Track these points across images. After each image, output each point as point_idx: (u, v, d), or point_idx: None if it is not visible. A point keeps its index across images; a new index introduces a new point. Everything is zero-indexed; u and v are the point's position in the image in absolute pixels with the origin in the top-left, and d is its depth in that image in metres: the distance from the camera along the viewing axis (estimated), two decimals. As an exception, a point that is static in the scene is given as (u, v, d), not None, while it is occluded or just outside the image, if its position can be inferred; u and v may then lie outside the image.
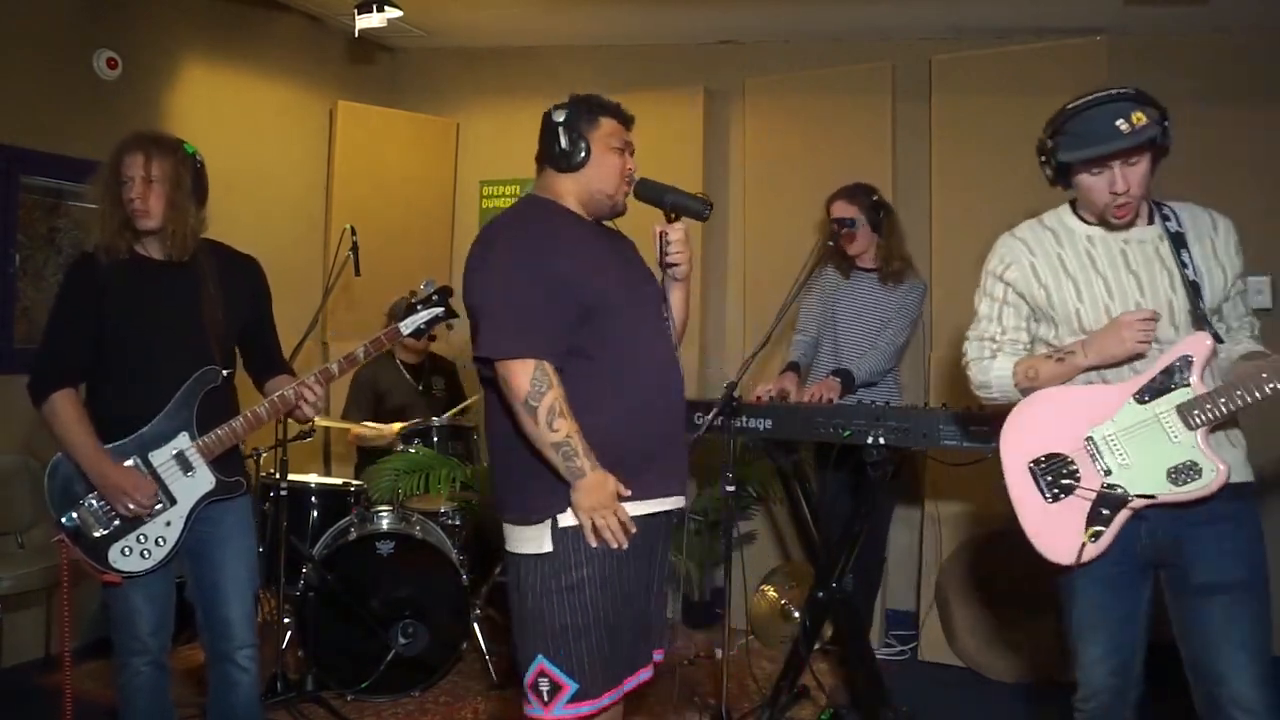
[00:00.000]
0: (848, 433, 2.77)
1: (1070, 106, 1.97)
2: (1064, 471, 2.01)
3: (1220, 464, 1.87)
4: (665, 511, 2.06)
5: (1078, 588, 2.05)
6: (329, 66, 5.06)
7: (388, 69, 5.36)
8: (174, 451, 2.31)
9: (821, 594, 2.93)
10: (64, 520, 2.25)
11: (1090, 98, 1.94)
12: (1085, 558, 1.97)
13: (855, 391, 3.24)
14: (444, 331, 4.94)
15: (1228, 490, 1.89)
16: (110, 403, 2.31)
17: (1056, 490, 2.02)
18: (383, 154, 5.05)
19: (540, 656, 1.97)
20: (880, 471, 2.80)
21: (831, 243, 3.33)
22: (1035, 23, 3.92)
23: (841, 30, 4.36)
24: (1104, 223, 2.01)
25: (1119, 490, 1.94)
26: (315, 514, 3.63)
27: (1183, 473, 1.89)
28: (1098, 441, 1.97)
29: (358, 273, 3.49)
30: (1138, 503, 1.93)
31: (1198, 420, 1.88)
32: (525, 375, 1.88)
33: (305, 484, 3.65)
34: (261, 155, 4.68)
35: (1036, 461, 2.05)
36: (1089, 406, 1.99)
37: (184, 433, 2.32)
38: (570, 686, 1.94)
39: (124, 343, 2.29)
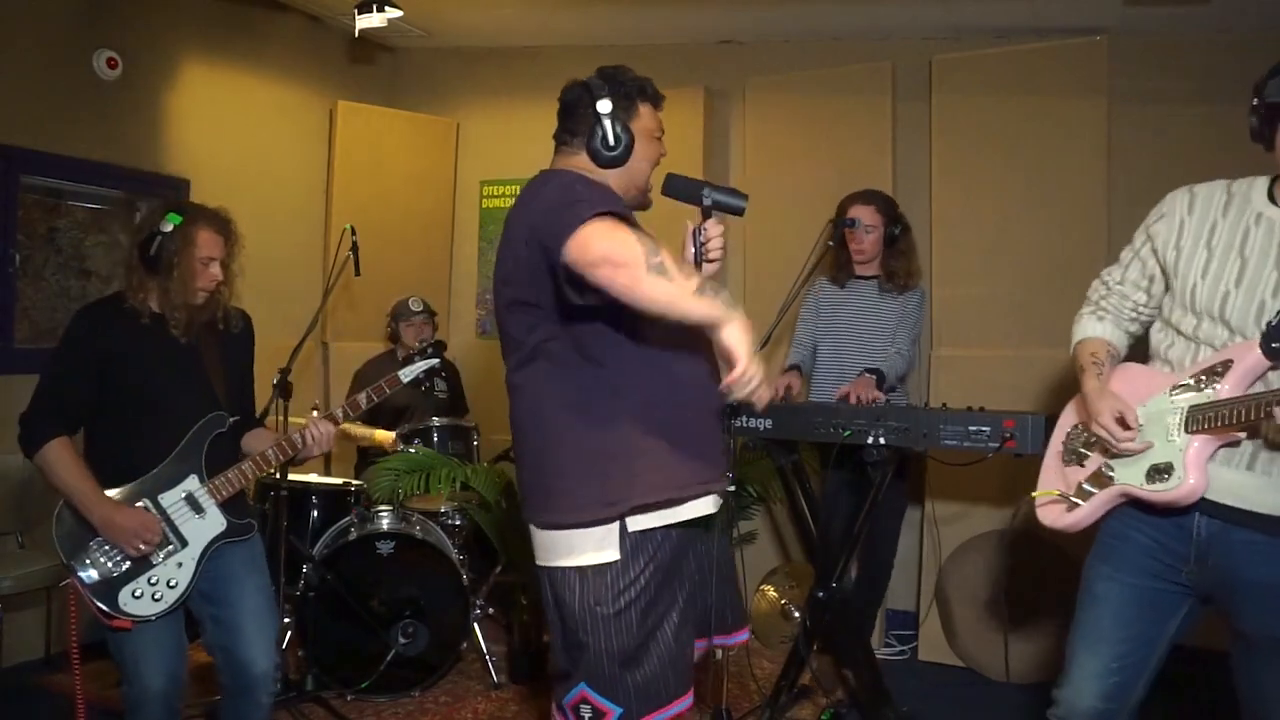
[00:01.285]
0: (848, 433, 2.77)
1: None
2: (1088, 441, 1.98)
3: (1193, 476, 1.72)
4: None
5: (1096, 592, 1.89)
6: (329, 66, 5.05)
7: (388, 69, 5.36)
8: (184, 494, 2.32)
9: (821, 594, 2.93)
10: (75, 566, 2.23)
11: None
12: (1066, 524, 1.93)
13: (884, 392, 3.23)
14: (445, 332, 4.96)
15: None
16: (115, 448, 2.30)
17: (1071, 456, 2.02)
18: (383, 154, 5.05)
19: (584, 685, 1.80)
20: (880, 471, 2.79)
21: (832, 243, 3.33)
22: (1035, 23, 3.92)
23: (841, 30, 4.36)
24: (1269, 197, 1.77)
25: (1108, 472, 1.89)
26: (315, 514, 3.63)
27: (1159, 473, 1.78)
28: (1151, 421, 1.84)
29: (358, 273, 3.49)
30: (1115, 489, 1.87)
31: (1197, 425, 1.74)
32: (628, 234, 1.61)
33: (305, 484, 3.65)
34: (261, 156, 4.68)
35: (1076, 426, 2.05)
36: (1141, 387, 1.88)
37: (193, 475, 2.33)
38: (614, 712, 1.78)
39: (133, 397, 2.29)
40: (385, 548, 3.43)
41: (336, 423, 2.52)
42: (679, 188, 2.02)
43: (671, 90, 5.06)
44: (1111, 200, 3.71)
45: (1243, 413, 1.65)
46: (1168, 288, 1.90)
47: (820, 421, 2.84)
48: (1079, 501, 1.92)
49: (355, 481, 3.83)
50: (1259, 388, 1.71)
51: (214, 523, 2.34)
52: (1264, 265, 1.73)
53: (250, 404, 2.63)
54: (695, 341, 1.83)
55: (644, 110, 2.00)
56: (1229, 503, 1.74)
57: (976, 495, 3.77)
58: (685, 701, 1.84)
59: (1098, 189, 3.72)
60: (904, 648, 3.96)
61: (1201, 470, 1.73)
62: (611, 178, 1.95)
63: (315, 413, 3.85)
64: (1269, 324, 1.69)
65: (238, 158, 4.52)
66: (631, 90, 1.98)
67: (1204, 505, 1.76)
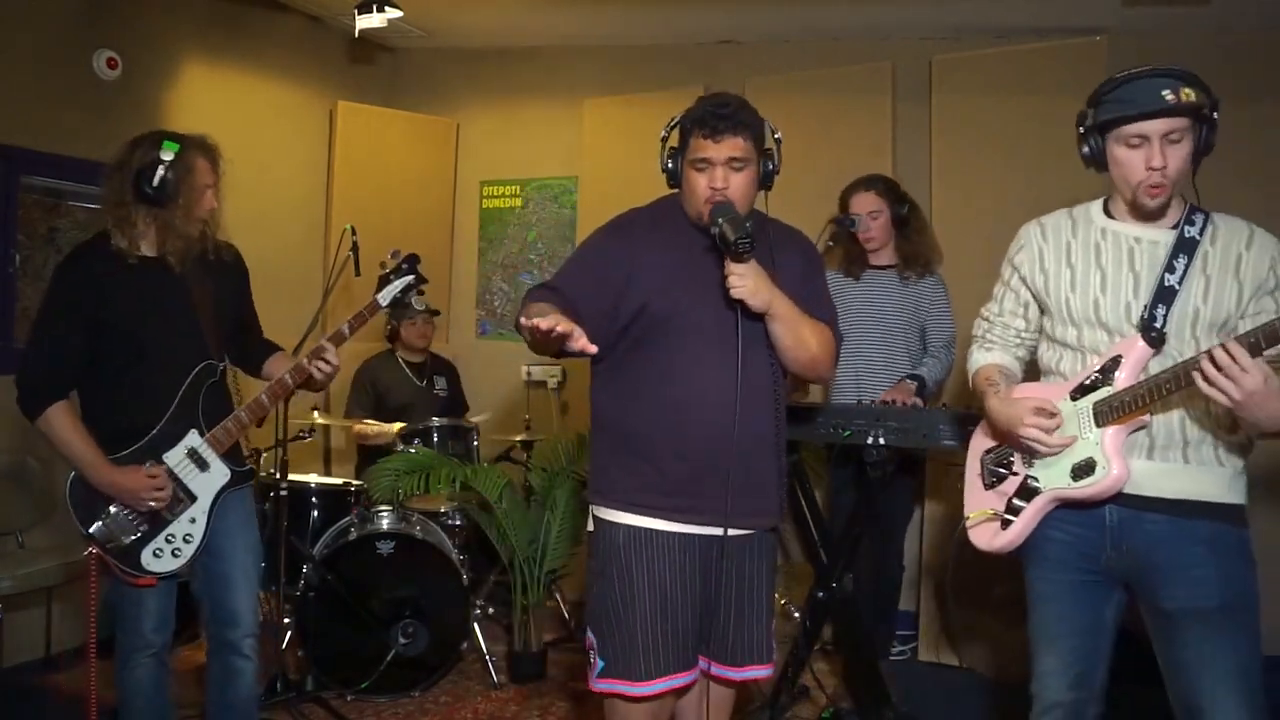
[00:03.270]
0: (848, 433, 2.77)
1: (1116, 77, 1.86)
2: (1003, 461, 2.08)
3: (1116, 465, 1.84)
4: (707, 535, 2.03)
5: (1038, 593, 2.01)
6: (329, 66, 5.06)
7: (388, 69, 5.36)
8: (187, 449, 2.33)
9: (821, 594, 2.93)
10: (92, 531, 2.25)
11: (1139, 69, 1.83)
12: (1001, 544, 2.03)
13: (926, 399, 3.22)
14: (445, 332, 4.96)
15: (1211, 510, 1.84)
16: (112, 406, 2.29)
17: (992, 479, 2.10)
18: (383, 154, 5.05)
19: (589, 629, 2.11)
20: (880, 471, 2.79)
21: (832, 243, 3.32)
22: (1035, 23, 3.92)
23: (841, 30, 4.36)
24: (1134, 208, 1.91)
25: (1033, 482, 1.99)
26: (315, 514, 3.63)
27: (1083, 470, 1.89)
28: (1063, 430, 1.96)
29: (358, 273, 3.47)
30: (1045, 496, 1.96)
31: (1106, 418, 1.87)
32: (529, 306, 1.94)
33: (305, 484, 3.65)
34: (261, 156, 4.67)
35: (988, 451, 2.14)
36: (1048, 398, 1.98)
37: (193, 430, 2.34)
38: (598, 665, 2.06)
39: (123, 344, 2.27)
40: (385, 548, 3.43)
41: (337, 344, 2.46)
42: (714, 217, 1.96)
43: (671, 90, 5.09)
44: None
45: (1144, 395, 1.81)
46: (1043, 310, 2.07)
47: (820, 422, 2.84)
48: (1011, 518, 2.01)
49: (355, 481, 3.82)
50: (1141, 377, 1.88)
51: (219, 474, 2.37)
52: (1120, 270, 1.93)
53: (256, 331, 2.63)
54: (690, 376, 1.99)
55: (691, 143, 2.02)
56: (1133, 491, 1.87)
57: (976, 495, 3.77)
58: (652, 686, 2.00)
59: (1097, 189, 3.70)
60: (904, 648, 3.96)
61: (1121, 458, 1.86)
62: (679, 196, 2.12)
63: (316, 413, 3.87)
64: (1142, 318, 1.86)
65: (238, 158, 4.49)
66: (685, 124, 2.07)
67: (1118, 496, 1.89)
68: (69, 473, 2.28)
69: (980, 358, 2.20)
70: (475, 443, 4.02)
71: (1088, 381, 1.93)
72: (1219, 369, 1.65)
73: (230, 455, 2.40)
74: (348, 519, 3.62)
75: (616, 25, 4.65)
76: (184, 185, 2.28)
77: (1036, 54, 3.86)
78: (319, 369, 2.41)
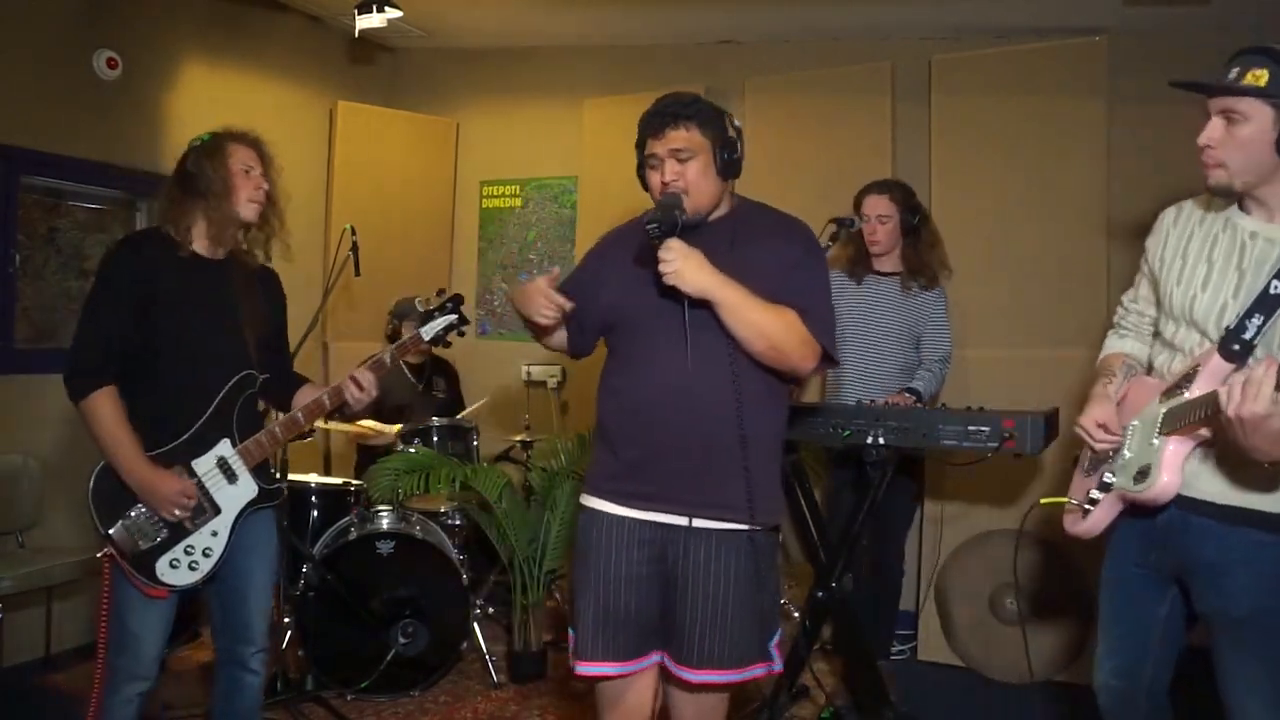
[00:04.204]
0: (847, 433, 2.77)
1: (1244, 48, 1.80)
2: (1101, 453, 2.05)
3: (1167, 474, 1.80)
4: (666, 525, 2.03)
5: (1102, 580, 2.06)
6: (329, 66, 5.06)
7: (388, 69, 5.36)
8: (217, 458, 2.27)
9: (821, 594, 2.93)
10: (111, 532, 2.17)
11: (1250, 47, 1.77)
12: (1080, 530, 2.03)
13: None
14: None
15: (1258, 518, 1.78)
16: (149, 402, 2.22)
17: (1089, 467, 2.09)
18: (383, 154, 5.05)
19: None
20: (879, 471, 2.79)
21: (832, 242, 3.31)
22: (1035, 23, 3.92)
23: (841, 30, 4.36)
24: (1238, 205, 1.84)
25: (1109, 479, 1.99)
26: (315, 514, 3.63)
27: (1142, 475, 1.87)
28: (1129, 431, 1.96)
29: (358, 273, 3.48)
30: (1114, 494, 1.96)
31: (1169, 427, 1.83)
32: None
33: (305, 484, 3.65)
34: (261, 155, 4.67)
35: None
36: (1143, 396, 1.97)
37: (225, 439, 2.29)
38: (572, 638, 2.11)
39: (170, 340, 2.22)
40: (385, 548, 3.43)
41: (384, 369, 2.46)
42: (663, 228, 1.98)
43: (671, 90, 5.05)
44: (1111, 200, 3.71)
45: (1202, 411, 1.72)
46: (1159, 300, 2.01)
47: (820, 422, 2.84)
48: (1089, 508, 2.02)
49: (355, 481, 3.82)
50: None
51: (246, 489, 2.31)
52: (1228, 267, 1.82)
53: (289, 361, 2.59)
54: (648, 365, 2.04)
55: (645, 145, 2.09)
56: (1189, 494, 1.85)
57: (976, 495, 3.77)
58: (587, 667, 2.06)
59: (1098, 189, 3.72)
60: (903, 648, 3.96)
61: (1175, 470, 1.81)
62: None
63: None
64: (1227, 328, 1.75)
65: (238, 158, 4.51)
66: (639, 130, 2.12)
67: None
68: (93, 467, 2.21)
69: (1111, 344, 2.15)
70: (475, 443, 4.02)
71: (1174, 386, 1.88)
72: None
73: (259, 471, 2.34)
74: (348, 519, 3.62)
75: (616, 25, 4.65)
76: (219, 166, 2.27)
77: (1036, 54, 3.86)
78: (353, 394, 2.40)
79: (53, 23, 3.82)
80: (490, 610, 3.97)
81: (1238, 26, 3.67)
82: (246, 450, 2.30)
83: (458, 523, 3.77)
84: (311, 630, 3.33)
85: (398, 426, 3.95)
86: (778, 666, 2.14)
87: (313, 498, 3.64)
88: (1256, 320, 1.72)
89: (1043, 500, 2.17)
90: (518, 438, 4.23)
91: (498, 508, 3.48)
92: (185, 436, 2.24)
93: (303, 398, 2.48)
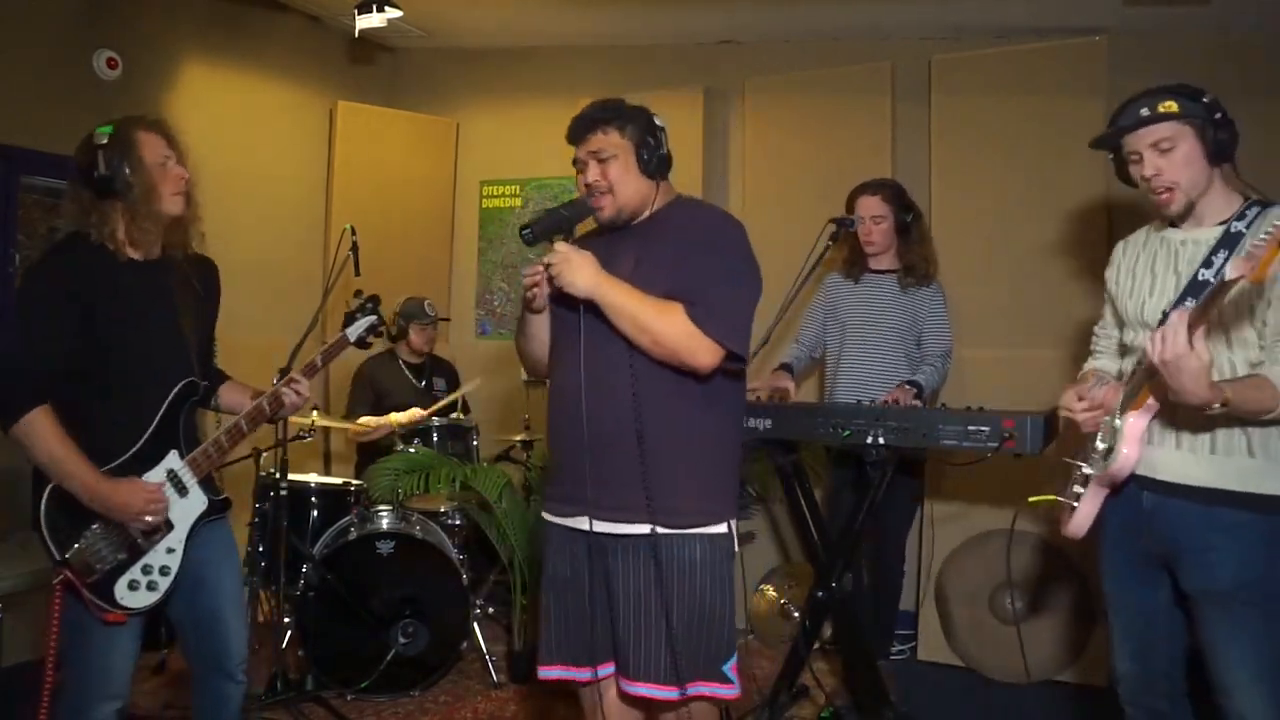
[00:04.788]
0: (847, 433, 2.76)
1: (1126, 100, 2.04)
2: (1079, 454, 2.15)
3: (1127, 447, 1.93)
4: (585, 531, 2.01)
5: (1102, 572, 2.16)
6: (329, 66, 5.06)
7: (388, 69, 5.36)
8: (167, 470, 2.15)
9: (821, 594, 2.93)
10: (68, 556, 2.03)
11: (1141, 92, 2.00)
12: (1070, 530, 2.10)
13: (924, 402, 3.24)
14: (445, 332, 4.95)
15: (1234, 498, 1.89)
16: (93, 419, 2.07)
17: (1075, 469, 2.16)
18: (383, 154, 5.05)
19: None
20: (880, 471, 2.79)
21: (832, 241, 3.32)
22: (1035, 23, 3.92)
23: (841, 30, 4.36)
24: (1169, 219, 2.05)
25: (1086, 472, 2.08)
26: (315, 514, 3.63)
27: (1109, 455, 1.98)
28: (1105, 424, 2.05)
29: (358, 273, 3.48)
30: (1093, 482, 2.05)
31: (1125, 406, 1.96)
32: None
33: (305, 484, 3.65)
34: (261, 155, 4.67)
35: (1079, 447, 2.20)
36: (1114, 396, 2.06)
37: (173, 451, 2.17)
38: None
39: (110, 353, 2.07)
40: (385, 548, 3.43)
41: (310, 376, 2.40)
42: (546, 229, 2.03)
43: (671, 90, 5.10)
44: (1111, 200, 3.70)
45: (1142, 377, 1.90)
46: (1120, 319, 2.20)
47: (820, 421, 2.84)
48: (1074, 504, 2.10)
49: (355, 481, 3.83)
50: None
51: (196, 501, 2.20)
52: (1167, 273, 2.04)
53: (212, 355, 2.45)
54: (556, 384, 2.11)
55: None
56: (1165, 478, 1.99)
57: (975, 495, 3.77)
58: (546, 671, 2.10)
59: (1097, 189, 3.71)
60: (903, 647, 3.96)
61: (1135, 442, 1.95)
62: None
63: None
64: (1164, 311, 1.95)
65: (238, 158, 4.51)
66: None
67: (1149, 484, 2.01)
68: (37, 499, 2.06)
69: (1088, 365, 2.33)
70: (475, 442, 4.02)
71: (1130, 376, 2.03)
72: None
73: (206, 483, 2.23)
74: (348, 519, 3.62)
75: (616, 25, 4.65)
76: (132, 161, 2.07)
77: (1036, 54, 3.86)
78: (292, 401, 2.34)
79: (53, 23, 3.83)
80: (490, 610, 3.97)
81: (1238, 26, 3.68)
82: (194, 461, 2.19)
83: (458, 523, 3.77)
84: (311, 630, 3.33)
85: (393, 415, 3.94)
86: (731, 691, 2.03)
87: (313, 498, 3.64)
88: (1189, 303, 1.89)
89: (1030, 500, 2.23)
90: (518, 438, 4.23)
91: (498, 508, 3.48)
92: (133, 450, 2.10)
93: (232, 398, 2.41)
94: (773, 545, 4.34)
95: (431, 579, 3.45)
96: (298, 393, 2.35)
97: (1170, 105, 1.91)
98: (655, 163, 2.07)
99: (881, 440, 2.73)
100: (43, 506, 2.06)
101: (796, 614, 3.85)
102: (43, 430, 1.99)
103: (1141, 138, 1.95)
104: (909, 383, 3.24)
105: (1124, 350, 2.21)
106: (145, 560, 2.11)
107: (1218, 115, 1.92)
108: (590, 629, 2.05)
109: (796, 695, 3.26)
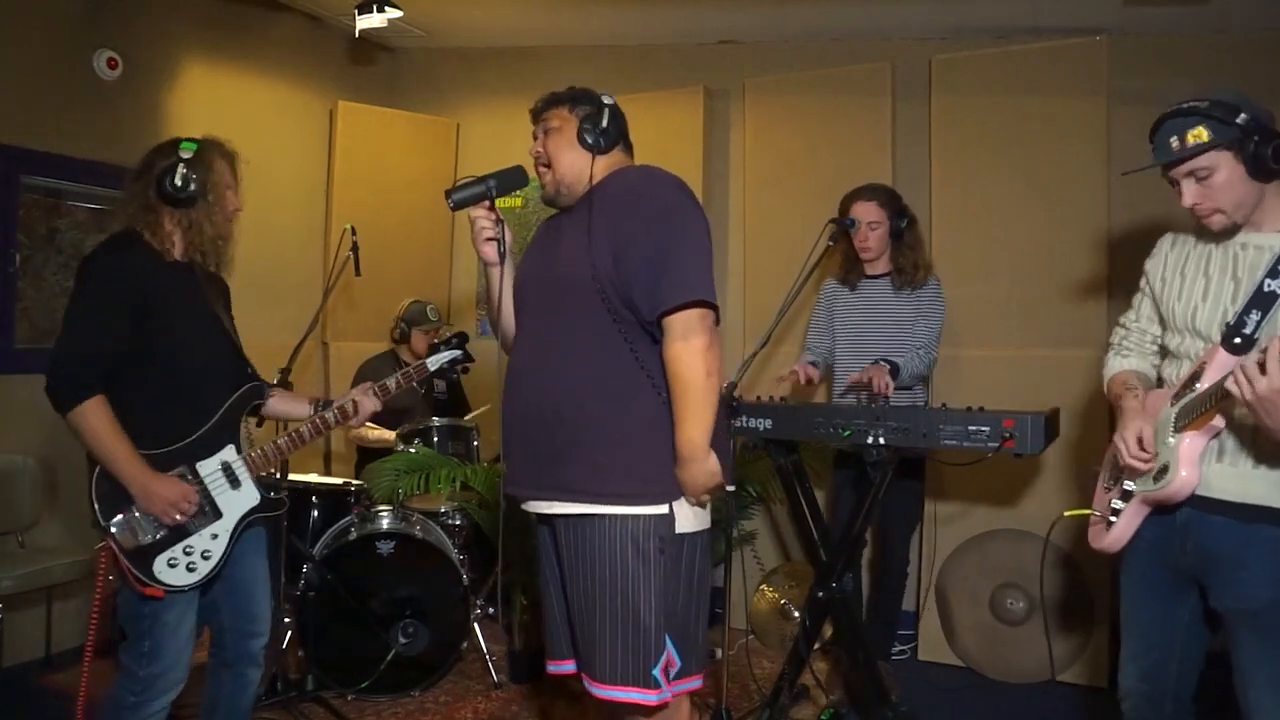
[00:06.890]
0: (847, 432, 2.76)
1: (1161, 116, 1.96)
2: (1120, 464, 2.08)
3: (1185, 469, 1.86)
4: (541, 513, 2.05)
5: (1122, 586, 2.09)
6: (329, 66, 5.06)
7: (388, 69, 5.36)
8: (220, 463, 2.29)
9: (821, 594, 2.93)
10: (111, 525, 2.16)
11: (1169, 110, 1.93)
12: (1105, 544, 2.05)
13: (899, 388, 3.24)
14: (444, 332, 4.96)
15: (1268, 515, 1.84)
16: (150, 406, 2.20)
17: (1110, 480, 2.12)
18: (383, 154, 5.05)
19: None
20: (880, 471, 2.79)
21: (832, 242, 3.32)
22: (1035, 23, 3.92)
23: (841, 30, 4.36)
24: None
25: (1130, 486, 2.02)
26: (315, 514, 3.64)
27: (1161, 474, 1.92)
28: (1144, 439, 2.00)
29: (358, 273, 3.49)
30: (1137, 499, 1.99)
31: (1182, 423, 1.89)
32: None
33: (305, 484, 3.65)
34: (261, 156, 4.63)
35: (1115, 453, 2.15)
36: (1157, 404, 2.02)
37: (231, 445, 2.32)
38: None
39: (169, 346, 2.21)
40: (385, 548, 3.43)
41: (388, 392, 2.56)
42: (465, 198, 2.14)
43: (671, 90, 5.09)
44: (1111, 200, 3.70)
45: (1212, 400, 1.81)
46: (1161, 319, 2.11)
47: (820, 422, 2.84)
48: (1113, 520, 2.05)
49: (355, 481, 3.83)
50: None
51: (249, 495, 2.32)
52: (1224, 278, 1.94)
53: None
54: (519, 346, 2.11)
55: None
56: (1202, 492, 1.90)
57: (976, 495, 3.78)
58: (563, 666, 2.15)
59: (1097, 189, 3.72)
60: (903, 647, 3.96)
61: (1193, 465, 1.87)
62: None
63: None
64: (1227, 324, 1.88)
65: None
66: None
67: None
68: (93, 468, 2.19)
69: (1115, 364, 2.22)
70: (475, 443, 4.02)
71: (1182, 388, 1.95)
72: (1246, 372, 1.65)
73: (262, 481, 2.37)
74: (348, 519, 3.62)
75: (616, 25, 4.65)
76: (207, 183, 2.27)
77: (1036, 54, 3.86)
78: (357, 418, 2.51)
79: (53, 23, 3.82)
80: (490, 610, 3.97)
81: (1238, 26, 3.67)
82: (251, 459, 2.34)
83: (458, 523, 3.77)
84: (311, 630, 3.33)
85: (395, 432, 3.96)
86: (657, 697, 1.93)
87: (313, 498, 3.64)
88: (1255, 316, 1.83)
89: (1067, 513, 2.20)
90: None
91: (498, 508, 3.47)
92: (191, 438, 2.25)
93: (287, 407, 2.54)
94: (773, 545, 4.34)
95: (432, 579, 3.45)
96: (362, 409, 2.51)
97: (1199, 133, 1.84)
98: (596, 136, 2.11)
99: (882, 440, 2.72)
100: (94, 477, 2.19)
101: (796, 614, 3.85)
102: (96, 420, 2.12)
103: (1177, 169, 1.90)
104: (886, 360, 3.23)
105: (1164, 352, 2.12)
106: (188, 541, 2.22)
107: (1256, 134, 1.83)
108: (559, 621, 2.11)
109: (796, 695, 3.26)
